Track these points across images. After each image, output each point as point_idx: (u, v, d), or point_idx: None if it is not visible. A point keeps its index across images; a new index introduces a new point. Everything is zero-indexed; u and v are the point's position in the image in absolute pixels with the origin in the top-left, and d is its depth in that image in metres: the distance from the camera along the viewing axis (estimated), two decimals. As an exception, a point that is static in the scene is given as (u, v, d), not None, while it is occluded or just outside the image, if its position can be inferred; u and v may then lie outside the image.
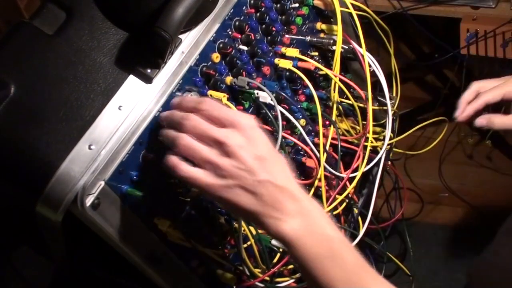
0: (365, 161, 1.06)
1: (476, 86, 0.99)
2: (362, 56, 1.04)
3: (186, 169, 0.74)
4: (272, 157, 0.73)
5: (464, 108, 0.98)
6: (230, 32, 0.95)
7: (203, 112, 0.75)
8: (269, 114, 0.95)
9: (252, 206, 0.72)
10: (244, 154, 0.71)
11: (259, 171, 0.72)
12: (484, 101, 0.96)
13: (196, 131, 0.74)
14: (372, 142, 1.10)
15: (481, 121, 0.96)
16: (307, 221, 0.72)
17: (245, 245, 0.93)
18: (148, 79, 0.86)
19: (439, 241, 1.77)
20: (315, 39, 1.09)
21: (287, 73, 1.04)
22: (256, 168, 0.71)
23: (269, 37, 1.02)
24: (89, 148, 0.81)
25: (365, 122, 1.07)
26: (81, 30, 0.86)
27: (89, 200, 0.79)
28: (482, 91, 0.98)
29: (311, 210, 0.73)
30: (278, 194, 0.72)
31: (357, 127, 1.14)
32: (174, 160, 0.75)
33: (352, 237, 1.09)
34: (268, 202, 0.72)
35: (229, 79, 0.94)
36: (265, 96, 0.94)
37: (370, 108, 1.04)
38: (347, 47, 1.07)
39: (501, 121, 0.96)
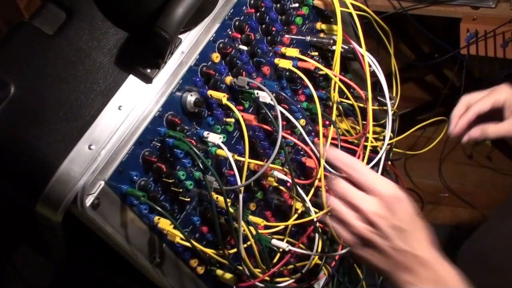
0: (365, 161, 1.06)
1: (465, 99, 0.99)
2: (362, 56, 1.04)
3: (333, 223, 0.80)
4: (410, 226, 0.77)
5: (457, 122, 0.98)
6: (230, 32, 0.95)
7: (351, 177, 0.79)
8: (269, 114, 0.95)
9: (385, 267, 0.77)
10: (380, 222, 0.76)
11: (394, 239, 0.76)
12: (475, 112, 0.96)
13: (342, 195, 0.79)
14: (372, 142, 1.10)
15: (475, 132, 0.96)
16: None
17: (245, 245, 0.93)
18: (148, 79, 0.86)
19: (439, 241, 1.77)
20: (315, 39, 1.09)
21: (287, 73, 1.04)
22: (391, 236, 0.76)
23: (269, 37, 1.02)
24: (89, 148, 0.81)
25: (365, 122, 1.07)
26: (81, 30, 0.86)
27: (89, 200, 0.79)
28: (471, 104, 0.98)
29: (446, 278, 0.76)
30: (412, 261, 0.76)
31: (357, 127, 1.14)
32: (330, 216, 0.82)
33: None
34: (402, 267, 0.76)
35: (229, 79, 0.94)
36: (265, 96, 0.94)
37: (370, 108, 1.04)
38: (347, 47, 1.07)
39: (494, 129, 0.96)
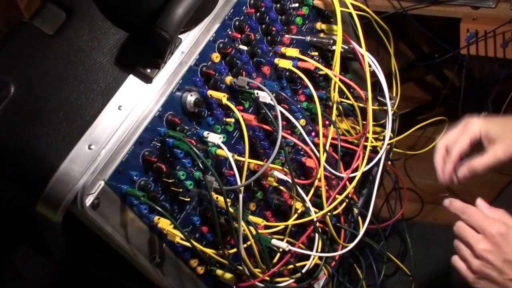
0: (365, 161, 1.06)
1: (442, 143, 1.00)
2: (362, 56, 1.04)
3: (455, 259, 0.91)
4: None
5: (443, 169, 0.99)
6: (230, 32, 0.95)
7: (465, 220, 0.90)
8: (269, 114, 0.95)
9: None
10: (491, 258, 0.85)
11: (508, 271, 0.84)
12: (456, 154, 0.97)
13: (458, 236, 0.90)
14: (372, 142, 1.10)
15: (462, 171, 0.97)
16: None
17: (245, 245, 0.93)
18: (148, 79, 0.86)
19: (439, 241, 1.76)
20: (315, 39, 1.09)
21: (287, 73, 1.04)
22: (504, 268, 0.84)
23: (269, 37, 1.02)
24: (89, 148, 0.81)
25: (365, 122, 1.07)
26: (81, 30, 0.86)
27: (89, 200, 0.79)
28: (450, 146, 0.98)
29: None
30: None
31: (357, 127, 1.14)
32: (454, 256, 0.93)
33: (352, 237, 1.09)
34: None
35: (229, 79, 0.94)
36: (265, 96, 0.94)
37: (370, 108, 1.04)
38: (347, 47, 1.07)
39: (481, 162, 0.96)
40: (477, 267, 0.86)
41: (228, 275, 0.97)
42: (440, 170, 0.99)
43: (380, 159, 1.08)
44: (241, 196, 0.89)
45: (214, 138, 0.90)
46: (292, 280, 1.02)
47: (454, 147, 0.97)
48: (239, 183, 0.88)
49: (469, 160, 0.96)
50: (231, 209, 0.90)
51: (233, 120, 0.96)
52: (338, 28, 1.03)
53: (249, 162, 0.95)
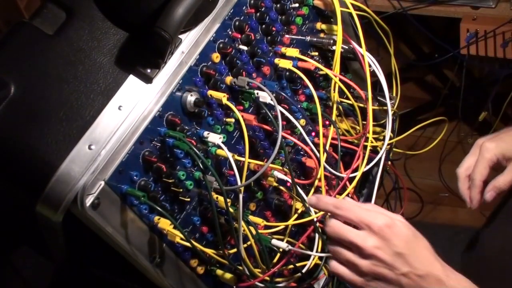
0: (365, 161, 1.06)
1: (462, 173, 1.01)
2: (362, 56, 1.04)
3: (335, 266, 0.82)
4: (411, 249, 0.78)
5: (470, 197, 0.99)
6: (230, 32, 0.95)
7: (340, 217, 0.81)
8: (269, 114, 0.95)
9: None
10: (381, 254, 0.78)
11: (399, 266, 0.78)
12: (480, 180, 0.97)
13: (336, 237, 0.81)
14: (372, 142, 1.10)
15: (490, 194, 0.97)
16: None
17: (245, 245, 0.93)
18: (148, 79, 0.86)
19: (439, 241, 1.76)
20: (315, 39, 1.09)
21: (287, 73, 1.04)
22: (396, 263, 0.78)
23: (269, 37, 1.02)
24: (89, 148, 0.81)
25: (365, 122, 1.07)
26: (81, 30, 0.86)
27: (89, 200, 0.79)
28: (470, 173, 0.99)
29: (455, 286, 0.78)
30: (422, 281, 0.78)
31: (357, 127, 1.14)
32: (331, 260, 0.84)
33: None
34: None
35: (229, 79, 0.94)
36: (265, 96, 0.94)
37: (370, 108, 1.04)
38: (347, 47, 1.07)
39: (505, 181, 0.97)
40: (367, 267, 0.79)
41: (228, 275, 0.97)
42: (467, 198, 0.99)
43: (380, 159, 1.08)
44: (241, 196, 0.89)
45: (214, 138, 0.90)
46: (292, 280, 1.02)
47: (476, 176, 0.97)
48: (239, 183, 0.88)
49: (493, 182, 0.97)
50: (231, 209, 0.90)
51: (233, 120, 0.96)
52: (338, 28, 1.03)
53: (249, 162, 0.95)
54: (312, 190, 1.01)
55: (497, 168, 0.98)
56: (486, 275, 0.98)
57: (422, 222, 1.78)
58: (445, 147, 1.77)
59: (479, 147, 0.99)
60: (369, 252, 0.78)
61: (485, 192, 0.97)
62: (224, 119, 0.96)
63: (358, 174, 1.05)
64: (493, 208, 1.07)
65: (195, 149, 0.85)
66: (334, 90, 1.05)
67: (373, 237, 0.78)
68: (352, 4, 1.04)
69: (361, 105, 1.09)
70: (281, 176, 0.99)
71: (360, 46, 1.05)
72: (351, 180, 1.04)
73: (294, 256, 1.05)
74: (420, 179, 1.76)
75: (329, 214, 0.83)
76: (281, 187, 1.02)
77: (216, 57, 0.92)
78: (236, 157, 0.93)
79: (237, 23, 0.96)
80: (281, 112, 0.93)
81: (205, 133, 0.91)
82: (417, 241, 0.81)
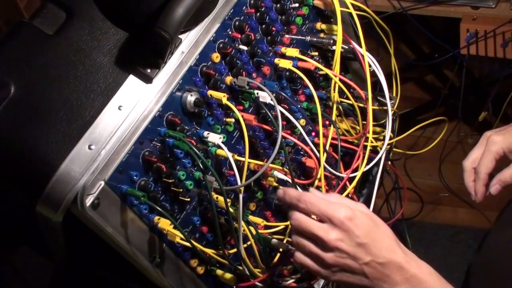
0: (365, 161, 1.06)
1: (468, 165, 1.01)
2: (362, 56, 1.04)
3: (300, 258, 0.83)
4: (372, 238, 0.80)
5: (475, 189, 1.00)
6: (230, 32, 0.95)
7: (303, 210, 0.82)
8: (269, 114, 0.95)
9: (362, 283, 0.81)
10: (344, 246, 0.79)
11: (362, 256, 0.79)
12: (485, 173, 0.98)
13: (300, 230, 0.82)
14: (372, 142, 1.10)
15: (496, 187, 0.97)
16: (414, 287, 0.80)
17: (245, 245, 0.93)
18: (148, 79, 0.86)
19: (439, 241, 1.77)
20: (315, 39, 1.09)
21: (287, 73, 1.04)
22: (358, 254, 0.79)
23: (269, 37, 1.02)
24: (89, 148, 0.81)
25: (365, 122, 1.07)
26: (81, 30, 0.86)
27: (89, 200, 0.79)
28: (476, 166, 1.00)
29: (417, 275, 0.80)
30: (384, 269, 0.80)
31: (357, 127, 1.14)
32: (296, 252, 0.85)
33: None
34: (375, 278, 0.80)
35: (229, 79, 0.94)
36: (265, 96, 0.94)
37: (370, 108, 1.04)
38: (347, 47, 1.07)
39: (510, 174, 0.96)
40: (332, 260, 0.80)
41: (228, 275, 0.97)
42: (472, 191, 1.00)
43: (380, 159, 1.08)
44: (241, 196, 0.89)
45: (214, 138, 0.90)
46: (292, 280, 1.02)
47: (481, 169, 0.98)
48: (239, 183, 0.88)
49: (498, 175, 0.97)
50: (231, 209, 0.90)
51: (233, 120, 0.96)
52: (338, 28, 1.03)
53: (249, 162, 0.96)
54: (312, 190, 1.01)
55: (503, 162, 0.98)
56: (494, 277, 0.98)
57: (422, 222, 1.78)
58: (445, 147, 1.77)
59: (486, 139, 0.99)
60: (332, 245, 0.79)
61: (490, 185, 0.97)
62: (224, 119, 0.96)
63: (358, 174, 1.05)
64: (501, 209, 1.07)
65: (195, 149, 0.85)
66: (334, 90, 1.05)
67: (335, 230, 0.80)
68: (352, 4, 1.04)
69: (361, 105, 1.09)
70: (281, 176, 0.99)
71: (360, 46, 1.05)
72: (351, 180, 1.05)
73: (294, 256, 1.05)
74: (420, 179, 1.76)
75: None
76: (281, 187, 1.02)
77: (216, 57, 0.92)
78: (236, 157, 0.93)
79: (237, 23, 0.96)
80: (281, 112, 0.93)
81: (205, 133, 0.91)
82: (378, 230, 0.82)
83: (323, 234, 0.80)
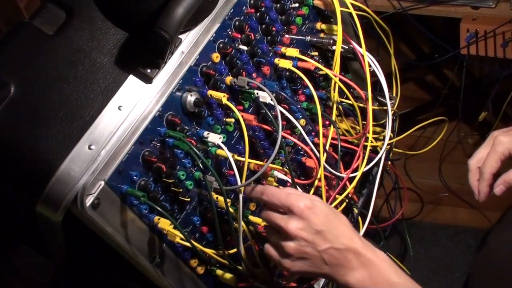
0: (365, 161, 1.06)
1: (473, 164, 1.01)
2: (362, 56, 1.04)
3: (267, 249, 0.88)
4: (330, 226, 0.84)
5: (479, 189, 0.99)
6: (230, 32, 0.95)
7: (266, 202, 0.87)
8: (269, 114, 0.95)
9: (322, 271, 0.84)
10: (303, 234, 0.83)
11: (321, 242, 0.83)
12: (489, 173, 0.97)
13: (266, 221, 0.88)
14: (372, 142, 1.10)
15: (500, 188, 0.97)
16: (371, 272, 0.83)
17: (245, 245, 0.93)
18: (148, 79, 0.86)
19: (439, 241, 1.76)
20: (315, 39, 1.09)
21: (287, 73, 1.04)
22: (317, 241, 0.83)
23: (269, 37, 1.02)
24: (89, 148, 0.81)
25: (365, 122, 1.07)
26: (81, 30, 0.86)
27: (89, 200, 0.79)
28: (481, 165, 0.99)
29: (374, 260, 0.83)
30: (341, 255, 0.83)
31: (357, 127, 1.14)
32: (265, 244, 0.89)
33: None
34: (334, 264, 0.83)
35: (229, 79, 0.94)
36: (265, 96, 0.94)
37: (370, 108, 1.04)
38: (347, 47, 1.07)
39: None
40: (292, 248, 0.83)
41: (228, 275, 0.97)
42: (476, 190, 0.99)
43: (380, 159, 1.08)
44: (241, 196, 0.89)
45: (214, 138, 0.90)
46: (292, 280, 1.01)
47: (486, 169, 0.97)
48: (239, 183, 0.88)
49: (503, 176, 0.97)
50: (231, 209, 0.90)
51: (233, 120, 0.96)
52: (338, 28, 1.03)
53: (249, 162, 0.96)
54: (312, 190, 1.01)
55: (509, 163, 0.98)
56: (494, 277, 0.98)
57: (422, 222, 1.78)
58: (445, 147, 1.77)
59: (493, 139, 0.99)
60: (293, 234, 0.83)
61: (494, 185, 0.97)
62: (224, 119, 0.96)
63: (358, 174, 1.05)
64: (505, 209, 1.07)
65: (195, 149, 0.85)
66: (334, 90, 1.05)
67: (295, 219, 0.83)
68: (352, 4, 1.04)
69: (361, 105, 1.09)
70: (281, 176, 0.99)
71: (360, 46, 1.05)
72: (351, 180, 1.05)
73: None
74: (420, 179, 1.76)
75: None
76: (281, 187, 1.02)
77: (216, 57, 0.92)
78: (236, 157, 0.93)
79: (237, 23, 0.96)
80: (281, 112, 0.93)
81: (205, 133, 0.91)
82: (336, 218, 0.85)
83: (284, 223, 0.83)
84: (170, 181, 0.88)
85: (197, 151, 0.86)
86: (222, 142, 0.89)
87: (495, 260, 1.00)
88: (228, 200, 0.88)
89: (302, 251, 0.83)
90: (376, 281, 0.82)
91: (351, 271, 0.83)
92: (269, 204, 0.87)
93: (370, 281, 0.82)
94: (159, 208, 0.85)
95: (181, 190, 0.90)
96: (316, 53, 1.11)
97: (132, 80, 0.85)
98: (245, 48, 0.97)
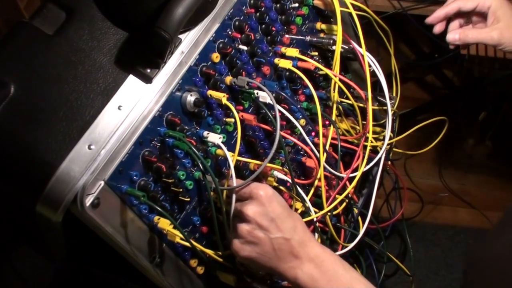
0: (365, 161, 1.06)
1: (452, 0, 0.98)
2: (362, 56, 1.04)
3: (228, 233, 0.89)
4: (285, 217, 0.86)
5: (434, 13, 0.97)
6: (230, 32, 0.95)
7: (237, 193, 0.89)
8: (269, 114, 0.95)
9: (269, 262, 0.86)
10: (259, 219, 0.85)
11: (273, 230, 0.85)
12: (457, 6, 0.94)
13: (234, 211, 0.89)
14: (372, 142, 1.10)
15: (453, 37, 0.95)
16: (319, 265, 0.85)
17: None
18: (148, 79, 0.86)
19: (439, 241, 1.77)
20: (315, 39, 1.09)
21: (287, 73, 1.04)
22: (271, 228, 0.85)
23: (269, 37, 1.02)
24: (89, 148, 0.81)
25: (365, 122, 1.07)
26: (81, 30, 0.86)
27: (89, 200, 0.79)
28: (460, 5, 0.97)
29: (320, 254, 0.85)
30: (291, 246, 0.85)
31: (357, 127, 1.14)
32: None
33: (352, 237, 1.09)
34: (282, 254, 0.85)
35: (229, 79, 0.94)
36: (265, 96, 0.94)
37: (370, 108, 1.04)
38: (347, 47, 1.07)
39: (475, 34, 0.94)
40: (245, 230, 0.85)
41: (228, 275, 0.97)
42: (431, 17, 0.97)
43: (380, 159, 1.08)
44: (234, 196, 0.89)
45: (214, 138, 0.90)
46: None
47: (459, 1, 0.95)
48: (235, 183, 0.88)
49: (465, 28, 0.94)
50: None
51: (233, 120, 0.96)
52: (338, 28, 1.03)
53: (249, 163, 0.95)
54: (312, 190, 1.01)
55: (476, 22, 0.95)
56: (494, 277, 0.98)
57: (422, 222, 1.78)
58: (445, 147, 1.77)
59: None
60: (249, 217, 0.85)
61: (451, 29, 0.94)
62: (224, 119, 0.96)
63: (358, 174, 1.05)
64: (505, 210, 1.07)
65: (194, 149, 0.85)
66: (334, 90, 1.05)
67: (253, 204, 0.85)
68: (352, 4, 1.04)
69: (361, 105, 1.09)
70: (281, 176, 0.99)
71: (360, 46, 1.05)
72: (351, 180, 1.05)
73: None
74: (420, 179, 1.76)
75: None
76: (281, 187, 1.02)
77: (216, 57, 0.92)
78: (236, 157, 0.93)
79: (237, 23, 0.96)
80: (281, 112, 0.93)
81: (205, 133, 0.91)
82: (292, 214, 0.88)
83: (243, 207, 0.86)
84: (170, 181, 0.88)
85: (196, 152, 0.86)
86: (222, 142, 0.89)
87: (496, 261, 1.00)
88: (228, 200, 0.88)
89: (254, 235, 0.85)
90: (323, 274, 0.84)
91: (300, 264, 0.85)
92: (239, 196, 0.89)
93: (318, 274, 0.84)
94: (159, 208, 0.85)
95: (181, 190, 0.90)
96: (316, 53, 1.11)
97: (132, 80, 0.85)
98: (245, 48, 0.97)
